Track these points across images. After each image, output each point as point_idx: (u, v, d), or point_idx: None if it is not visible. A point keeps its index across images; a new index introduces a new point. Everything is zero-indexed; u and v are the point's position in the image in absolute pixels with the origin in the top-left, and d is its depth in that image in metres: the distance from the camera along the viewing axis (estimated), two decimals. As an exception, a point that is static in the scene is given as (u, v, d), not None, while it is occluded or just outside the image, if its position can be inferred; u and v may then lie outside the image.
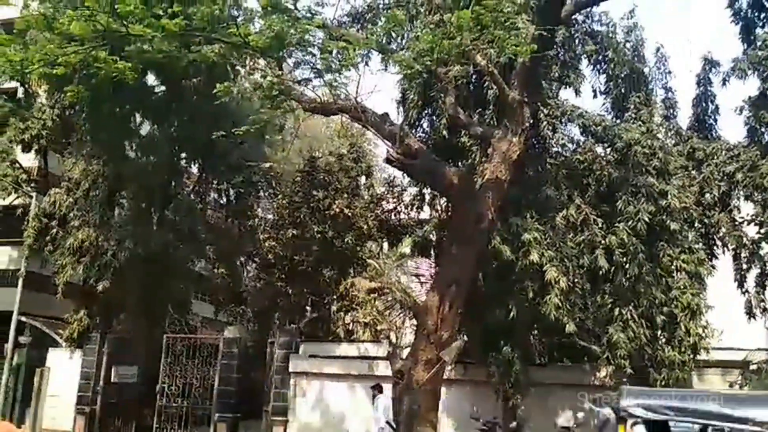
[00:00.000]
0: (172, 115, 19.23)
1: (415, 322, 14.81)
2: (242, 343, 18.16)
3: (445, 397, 14.21)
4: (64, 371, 19.09)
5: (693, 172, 15.64)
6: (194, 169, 22.12)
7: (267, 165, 20.05)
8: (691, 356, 13.49)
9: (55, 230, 19.74)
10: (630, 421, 6.05)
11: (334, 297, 20.40)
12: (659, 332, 13.58)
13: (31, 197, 21.19)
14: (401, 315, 19.39)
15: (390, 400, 13.63)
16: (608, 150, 15.52)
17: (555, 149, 16.01)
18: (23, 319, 20.54)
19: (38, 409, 19.36)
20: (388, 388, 14.89)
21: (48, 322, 20.99)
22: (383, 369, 15.36)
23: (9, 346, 19.81)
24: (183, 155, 20.65)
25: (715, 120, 17.10)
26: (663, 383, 13.24)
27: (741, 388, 13.72)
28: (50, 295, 19.96)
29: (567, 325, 13.19)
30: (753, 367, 14.47)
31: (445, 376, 13.70)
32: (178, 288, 19.83)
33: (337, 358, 17.65)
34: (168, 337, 18.13)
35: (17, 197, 21.68)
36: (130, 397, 18.50)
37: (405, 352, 14.09)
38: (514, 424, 13.62)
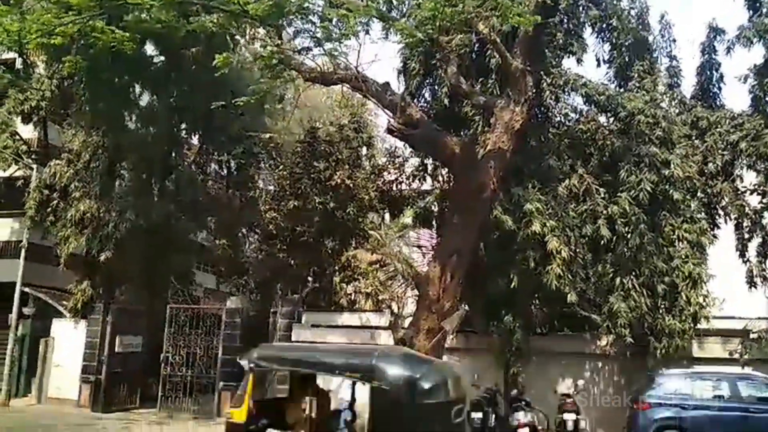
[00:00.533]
0: (172, 85, 19.05)
1: (416, 292, 14.91)
2: (245, 313, 18.27)
3: (446, 366, 14.37)
4: (68, 341, 19.24)
5: (696, 141, 15.56)
6: (194, 140, 22.00)
7: (267, 136, 19.91)
8: (692, 325, 13.57)
9: (56, 202, 19.71)
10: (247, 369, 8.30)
11: (336, 268, 20.46)
12: (660, 301, 13.64)
13: (31, 169, 21.10)
14: (403, 285, 19.48)
15: None
16: (611, 119, 15.43)
17: (558, 119, 15.92)
18: (27, 290, 20.61)
19: (43, 378, 19.57)
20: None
21: (51, 293, 21.08)
22: (385, 338, 15.48)
23: (13, 317, 19.91)
24: (183, 126, 20.52)
25: (720, 89, 16.98)
26: (663, 352, 13.36)
27: (741, 356, 13.82)
28: (53, 266, 20.00)
29: (568, 295, 13.26)
30: (753, 335, 14.55)
31: (446, 345, 13.83)
32: (180, 259, 19.87)
33: (340, 327, 17.78)
34: (171, 307, 18.22)
35: (18, 169, 21.59)
36: (134, 367, 18.67)
37: (407, 322, 14.21)
38: (515, 391, 13.77)
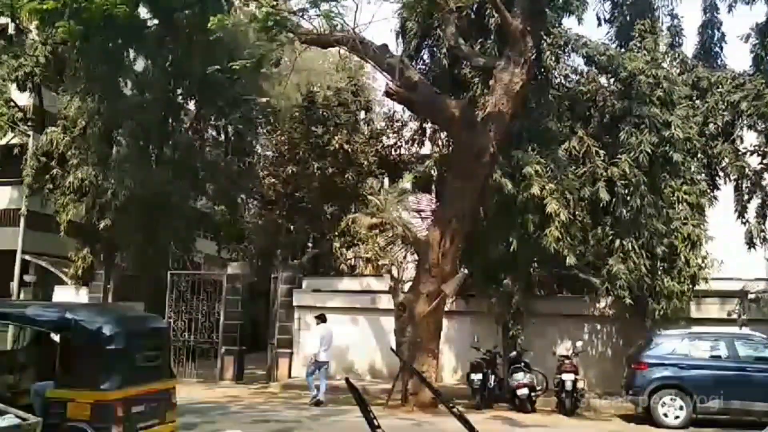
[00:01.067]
0: (166, 50, 18.77)
1: (416, 257, 14.94)
2: (246, 279, 18.34)
3: (446, 329, 14.51)
4: (70, 308, 19.39)
5: (697, 101, 15.44)
6: (191, 106, 21.80)
7: (264, 100, 19.69)
8: (690, 286, 13.66)
9: (54, 169, 19.65)
10: None
11: (336, 233, 20.48)
12: (659, 263, 13.69)
13: (27, 136, 20.99)
14: (402, 250, 19.51)
15: (328, 331, 14.00)
16: (612, 80, 15.28)
17: (558, 80, 15.76)
18: (27, 258, 20.69)
19: (47, 345, 19.77)
20: (384, 320, 15.17)
21: (52, 260, 21.16)
22: (386, 302, 15.58)
23: (15, 284, 20.03)
24: (179, 91, 20.30)
25: (721, 48, 16.80)
26: (662, 313, 13.45)
27: (739, 317, 13.92)
28: (53, 234, 20.04)
29: (567, 258, 13.29)
30: (751, 296, 14.65)
31: (446, 309, 13.93)
32: (180, 225, 19.86)
33: (340, 292, 17.89)
34: (172, 273, 18.28)
35: (14, 136, 21.48)
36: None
37: (407, 287, 14.28)
38: (514, 353, 13.91)
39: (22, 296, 20.36)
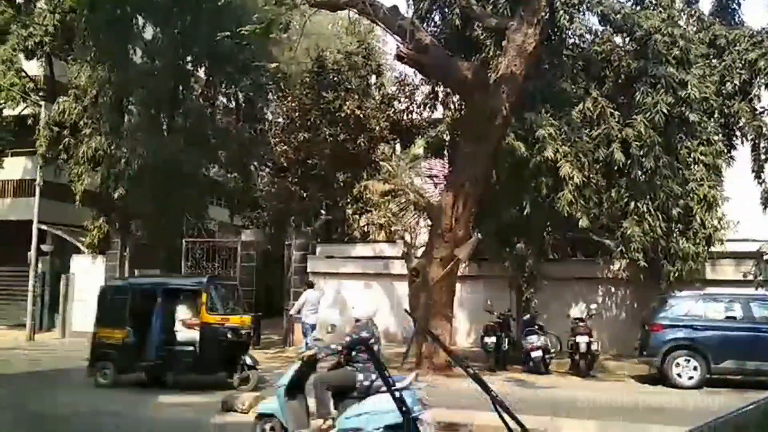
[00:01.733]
0: (175, 16, 18.64)
1: (429, 222, 14.94)
2: (260, 246, 18.46)
3: (459, 293, 14.55)
4: (88, 276, 19.61)
5: (714, 60, 15.10)
6: (201, 73, 21.70)
7: (274, 65, 19.52)
8: (706, 248, 13.56)
9: (67, 139, 19.71)
10: None
11: (348, 200, 20.49)
12: (674, 225, 13.59)
13: (39, 106, 21.00)
14: (415, 216, 19.52)
15: (315, 296, 14.51)
16: (627, 40, 15.00)
17: (572, 40, 15.48)
18: (44, 227, 20.89)
19: (66, 313, 20.07)
20: (397, 285, 15.22)
21: (68, 229, 21.36)
22: (399, 268, 15.64)
23: (32, 254, 20.25)
24: (189, 58, 20.20)
25: (739, 5, 16.35)
26: (676, 275, 13.41)
27: (755, 278, 13.85)
28: (68, 203, 20.19)
29: (580, 221, 13.22)
30: (766, 257, 14.54)
31: (459, 273, 13.95)
32: (193, 193, 19.95)
33: (353, 258, 17.97)
34: (187, 241, 18.43)
35: (26, 107, 21.51)
36: (154, 300, 19.05)
37: (420, 252, 14.31)
38: (527, 316, 13.97)
39: (40, 266, 20.61)
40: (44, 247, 20.67)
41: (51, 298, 20.78)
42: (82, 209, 19.99)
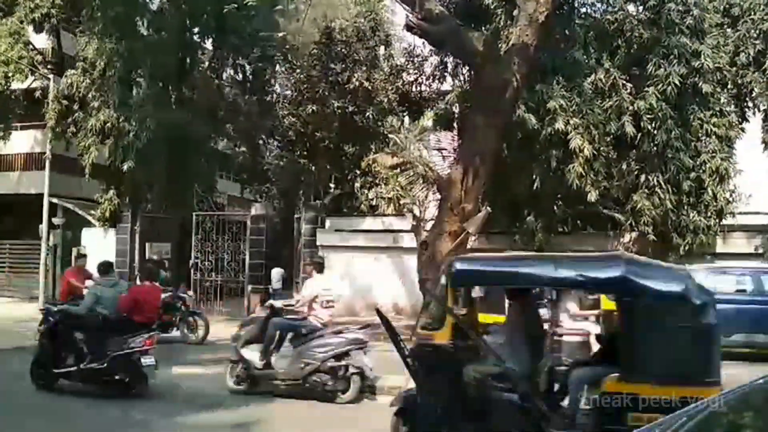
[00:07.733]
0: (181, -13, 18.46)
1: (438, 196, 14.87)
2: (269, 220, 18.50)
3: (469, 266, 14.52)
4: (99, 249, 19.68)
5: (728, 30, 14.84)
6: (208, 45, 21.54)
7: (281, 35, 19.30)
8: (717, 221, 13.48)
9: (76, 112, 19.70)
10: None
11: (357, 173, 20.42)
12: (685, 198, 13.49)
13: (48, 79, 20.96)
14: (424, 189, 19.44)
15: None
16: (640, 8, 14.75)
17: (584, 9, 15.27)
18: (54, 200, 20.99)
19: (79, 286, 20.26)
20: (407, 258, 15.23)
21: (79, 203, 21.46)
22: (408, 241, 15.65)
23: (44, 227, 20.38)
24: (195, 30, 20.03)
25: (755, -28, 15.97)
26: (687, 248, 13.35)
27: (766, 251, 13.77)
28: (78, 177, 20.26)
29: (590, 194, 13.14)
30: (778, 230, 14.46)
31: (469, 246, 13.93)
32: (202, 166, 19.95)
33: (363, 231, 17.98)
34: (197, 214, 18.48)
35: (34, 80, 21.48)
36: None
37: (429, 225, 14.28)
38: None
39: (51, 239, 20.75)
40: (55, 220, 20.81)
41: (63, 270, 20.98)
42: (92, 182, 20.05)
